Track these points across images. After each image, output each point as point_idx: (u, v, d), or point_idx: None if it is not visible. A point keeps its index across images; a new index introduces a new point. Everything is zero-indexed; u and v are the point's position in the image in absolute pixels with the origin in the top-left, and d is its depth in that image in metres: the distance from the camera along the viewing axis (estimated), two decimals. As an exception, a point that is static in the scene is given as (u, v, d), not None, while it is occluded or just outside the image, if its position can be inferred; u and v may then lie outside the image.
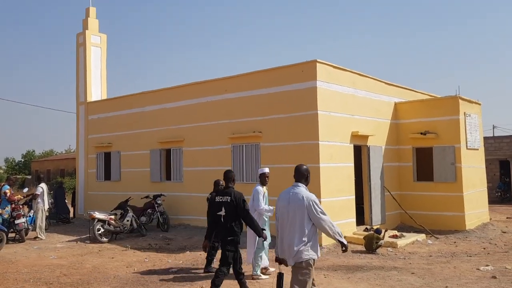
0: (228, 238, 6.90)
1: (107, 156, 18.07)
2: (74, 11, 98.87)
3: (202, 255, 10.70)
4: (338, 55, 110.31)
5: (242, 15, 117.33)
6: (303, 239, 5.04)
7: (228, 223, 6.92)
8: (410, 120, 14.77)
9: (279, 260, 5.21)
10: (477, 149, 15.12)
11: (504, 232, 13.63)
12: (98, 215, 13.11)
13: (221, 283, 6.75)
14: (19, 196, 14.16)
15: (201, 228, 14.01)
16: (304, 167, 5.45)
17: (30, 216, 13.95)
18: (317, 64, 11.96)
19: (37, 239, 13.47)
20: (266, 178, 8.68)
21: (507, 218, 17.04)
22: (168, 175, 15.86)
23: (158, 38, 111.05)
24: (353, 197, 12.73)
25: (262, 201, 8.46)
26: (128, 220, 13.65)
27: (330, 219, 5.14)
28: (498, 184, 26.08)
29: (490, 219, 15.83)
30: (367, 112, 13.64)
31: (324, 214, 5.09)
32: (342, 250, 5.23)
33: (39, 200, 13.75)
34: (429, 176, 14.22)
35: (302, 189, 5.27)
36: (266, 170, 8.79)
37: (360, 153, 13.61)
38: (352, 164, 12.89)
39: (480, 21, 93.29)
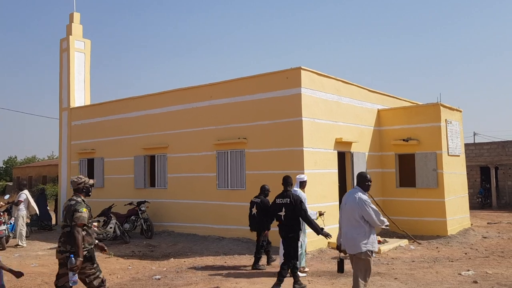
0: (289, 235, 7.79)
1: (90, 162, 17.90)
2: (58, 17, 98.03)
3: (186, 262, 10.67)
4: (321, 63, 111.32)
5: (227, 22, 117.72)
6: (360, 233, 6.00)
7: (288, 222, 7.82)
8: (392, 127, 14.97)
9: (339, 248, 6.34)
10: (458, 156, 15.38)
11: (485, 237, 13.85)
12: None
13: (286, 275, 7.72)
14: (0, 203, 13.94)
15: (186, 234, 13.97)
16: (365, 173, 6.42)
17: (11, 223, 13.73)
18: (302, 71, 12.07)
19: (18, 246, 13.26)
20: (305, 184, 9.59)
21: (487, 223, 17.32)
22: (152, 181, 15.77)
23: (143, 44, 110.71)
24: (337, 203, 12.79)
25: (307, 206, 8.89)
26: (111, 227, 13.53)
27: (379, 212, 6.08)
28: (479, 190, 26.54)
29: (471, 224, 16.08)
30: (350, 119, 13.79)
31: (372, 211, 5.98)
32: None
33: (21, 206, 13.55)
34: (412, 182, 14.41)
35: (357, 191, 6.23)
36: (306, 177, 9.72)
37: (344, 159, 13.73)
38: (336, 171, 13.00)
39: (460, 29, 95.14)
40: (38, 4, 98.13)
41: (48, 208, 17.88)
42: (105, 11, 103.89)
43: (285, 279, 7.75)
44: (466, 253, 11.51)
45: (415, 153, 14.30)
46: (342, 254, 6.41)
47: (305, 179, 9.54)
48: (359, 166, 13.85)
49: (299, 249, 8.60)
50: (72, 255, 5.40)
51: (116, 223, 13.67)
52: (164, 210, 14.99)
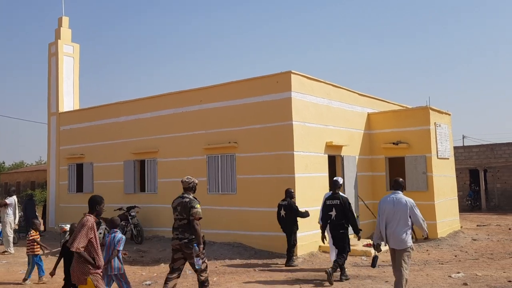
0: (340, 231, 8.96)
1: (79, 167, 17.74)
2: (47, 21, 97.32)
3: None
4: (311, 67, 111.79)
5: (217, 26, 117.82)
6: (406, 231, 6.99)
7: (338, 221, 8.96)
8: (382, 130, 15.04)
9: (375, 246, 7.32)
10: (448, 159, 15.48)
11: (475, 240, 13.94)
12: (69, 227, 12.81)
13: (343, 263, 8.93)
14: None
15: (176, 239, 13.86)
16: (401, 179, 7.44)
17: (-2, 229, 13.55)
18: (292, 75, 12.09)
19: (5, 253, 13.07)
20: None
21: (477, 226, 17.45)
22: (142, 186, 15.66)
23: (132, 48, 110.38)
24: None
25: None
26: (100, 233, 13.37)
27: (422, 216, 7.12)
28: (468, 192, 26.76)
29: (461, 227, 16.18)
30: (341, 123, 13.83)
31: (419, 213, 7.11)
32: (424, 237, 7.96)
33: (8, 212, 13.37)
34: (402, 185, 14.44)
35: (402, 195, 7.17)
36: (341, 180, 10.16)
37: (334, 163, 13.76)
38: (327, 174, 13.01)
39: (449, 32, 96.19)
40: (26, 8, 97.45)
41: (36, 214, 17.66)
42: (94, 16, 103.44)
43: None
44: (456, 256, 11.57)
45: (405, 156, 14.37)
46: (377, 252, 7.43)
47: (341, 182, 9.91)
48: (350, 169, 13.88)
49: None
50: (195, 244, 6.66)
51: (105, 228, 13.52)
52: (154, 215, 14.89)
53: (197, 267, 6.76)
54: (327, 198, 9.29)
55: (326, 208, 9.22)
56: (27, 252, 9.65)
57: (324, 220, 9.23)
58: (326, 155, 13.06)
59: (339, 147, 13.56)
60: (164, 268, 10.69)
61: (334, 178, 9.58)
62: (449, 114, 16.30)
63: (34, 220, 10.18)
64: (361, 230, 9.18)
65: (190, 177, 7.23)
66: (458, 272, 9.38)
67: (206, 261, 7.03)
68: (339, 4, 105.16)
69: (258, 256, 11.62)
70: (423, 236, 7.61)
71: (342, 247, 9.00)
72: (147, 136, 15.36)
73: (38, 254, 9.51)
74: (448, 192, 15.43)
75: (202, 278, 6.92)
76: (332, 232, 9.13)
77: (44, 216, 18.84)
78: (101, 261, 5.81)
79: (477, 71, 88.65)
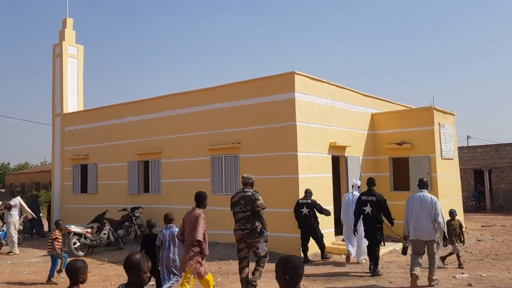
0: (376, 226, 9.63)
1: (84, 168, 17.80)
2: (51, 22, 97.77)
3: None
4: (315, 67, 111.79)
5: (221, 27, 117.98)
6: (433, 225, 8.24)
7: (374, 215, 9.65)
8: (386, 131, 15.01)
9: (406, 237, 8.56)
10: (452, 159, 15.43)
11: (479, 240, 13.89)
12: (74, 228, 12.88)
13: (379, 255, 9.69)
14: (-8, 210, 13.83)
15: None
16: (425, 179, 8.80)
17: (3, 230, 13.61)
18: (295, 75, 12.09)
19: (10, 254, 13.13)
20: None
21: (481, 226, 17.39)
22: (146, 187, 15.70)
23: (136, 50, 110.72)
24: (332, 207, 12.82)
25: None
26: (105, 233, 13.44)
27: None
28: (473, 193, 26.65)
29: (466, 227, 16.09)
30: (344, 123, 13.82)
31: (441, 211, 8.38)
32: (444, 245, 8.68)
33: (13, 213, 13.44)
34: (406, 185, 14.43)
35: (427, 193, 8.47)
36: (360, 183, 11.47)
37: (338, 163, 13.74)
38: (331, 175, 13.01)
39: (453, 32, 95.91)
40: (30, 10, 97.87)
41: (41, 215, 17.74)
42: (98, 17, 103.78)
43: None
44: (460, 256, 11.52)
45: (409, 157, 14.34)
46: (407, 242, 8.64)
47: (359, 184, 11.29)
48: (354, 170, 13.86)
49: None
50: (265, 231, 7.77)
51: (110, 229, 13.59)
52: (158, 215, 14.86)
53: (261, 251, 7.84)
54: (362, 194, 10.03)
55: (360, 203, 9.84)
56: (48, 252, 9.77)
57: (357, 214, 9.85)
58: (330, 156, 13.05)
59: (343, 148, 13.55)
60: (168, 268, 10.71)
61: (369, 177, 10.44)
62: (453, 114, 16.25)
63: (58, 221, 10.21)
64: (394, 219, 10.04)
65: (250, 174, 8.31)
66: (463, 273, 9.35)
67: (265, 248, 8.01)
68: (342, 5, 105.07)
69: (262, 257, 11.61)
70: (444, 244, 8.64)
71: (376, 240, 9.65)
72: (151, 137, 15.40)
73: (57, 254, 9.55)
74: (453, 192, 15.38)
75: (262, 263, 7.97)
76: (366, 226, 9.81)
77: (48, 217, 18.92)
78: (207, 251, 7.04)
79: (481, 71, 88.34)
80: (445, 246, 9.07)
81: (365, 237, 9.94)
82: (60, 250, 9.66)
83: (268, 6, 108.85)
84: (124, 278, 9.58)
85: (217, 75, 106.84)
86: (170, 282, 7.64)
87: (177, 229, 7.76)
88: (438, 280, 8.51)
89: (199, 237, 6.79)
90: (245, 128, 12.96)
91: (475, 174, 27.36)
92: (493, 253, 11.81)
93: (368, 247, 9.79)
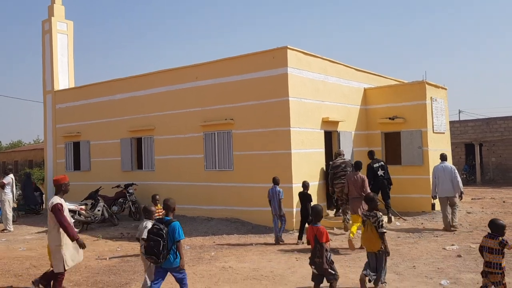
0: (390, 186, 12.62)
1: (76, 145, 17.75)
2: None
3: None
4: (307, 42, 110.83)
5: (214, 2, 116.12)
6: (452, 186, 11.48)
7: (386, 176, 12.50)
8: (378, 106, 15.03)
9: (434, 197, 11.98)
10: (443, 133, 15.53)
11: (469, 213, 14.11)
12: (68, 205, 12.88)
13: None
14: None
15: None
16: (445, 154, 12.14)
17: (-3, 207, 13.63)
18: (288, 50, 12.00)
19: (5, 231, 13.19)
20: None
21: (472, 199, 17.63)
22: (140, 164, 15.71)
23: (126, 25, 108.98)
24: (324, 182, 12.93)
25: None
26: (99, 210, 13.51)
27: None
28: (464, 166, 26.93)
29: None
30: (337, 98, 13.81)
31: (459, 177, 11.66)
32: (460, 198, 11.73)
33: (7, 190, 13.44)
34: (397, 160, 14.55)
35: (448, 164, 11.84)
36: None
37: (330, 138, 13.79)
38: (323, 150, 13.07)
39: (446, 8, 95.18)
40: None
41: (35, 192, 17.74)
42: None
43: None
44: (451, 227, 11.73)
45: (401, 131, 14.41)
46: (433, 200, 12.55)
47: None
48: (346, 145, 13.93)
49: None
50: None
51: (104, 205, 13.64)
52: (152, 192, 14.88)
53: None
54: (373, 163, 12.48)
55: (374, 170, 12.36)
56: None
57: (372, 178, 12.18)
58: (323, 131, 13.08)
59: (336, 123, 13.58)
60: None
61: (370, 150, 13.20)
62: (445, 89, 16.27)
63: (155, 196, 9.69)
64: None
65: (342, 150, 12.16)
66: (453, 245, 9.53)
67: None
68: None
69: (255, 231, 11.78)
70: (459, 197, 11.64)
71: (388, 197, 12.46)
72: (143, 113, 15.33)
73: None
74: (444, 166, 15.49)
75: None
76: (382, 187, 12.34)
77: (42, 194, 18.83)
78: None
79: (474, 46, 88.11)
80: (460, 199, 11.84)
81: (382, 194, 12.43)
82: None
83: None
84: (118, 254, 9.69)
85: (209, 50, 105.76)
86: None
87: (280, 189, 10.42)
88: (458, 223, 11.74)
89: (368, 190, 9.82)
90: (237, 104, 12.92)
91: (466, 148, 27.60)
92: (482, 225, 12.02)
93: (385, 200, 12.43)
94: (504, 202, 16.56)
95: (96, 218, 13.37)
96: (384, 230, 6.69)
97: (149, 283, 6.27)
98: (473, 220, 12.87)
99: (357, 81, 15.00)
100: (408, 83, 15.59)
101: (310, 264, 6.29)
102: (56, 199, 6.64)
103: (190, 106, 14.00)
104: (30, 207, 16.97)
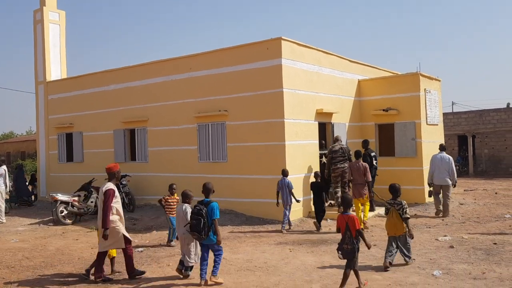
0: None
1: (69, 137, 17.63)
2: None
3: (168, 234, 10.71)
4: (301, 33, 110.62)
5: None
6: (448, 175, 12.29)
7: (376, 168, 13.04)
8: (372, 97, 15.04)
9: (430, 184, 12.53)
10: (437, 125, 15.58)
11: (462, 204, 14.20)
12: (60, 197, 12.86)
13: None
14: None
15: (167, 207, 13.95)
16: (444, 144, 13.11)
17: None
18: (282, 41, 11.94)
19: (-3, 223, 13.11)
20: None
21: (464, 190, 17.75)
22: (133, 155, 15.64)
23: (119, 15, 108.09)
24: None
25: None
26: (92, 202, 13.46)
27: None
28: (457, 158, 27.08)
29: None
30: (331, 90, 13.79)
31: (454, 167, 12.51)
32: (453, 186, 12.52)
33: (-1, 182, 13.34)
34: (391, 151, 14.59)
35: (445, 154, 12.49)
36: None
37: (324, 130, 13.79)
38: (317, 141, 13.07)
39: (440, 0, 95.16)
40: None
41: (27, 184, 17.63)
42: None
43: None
44: (443, 219, 11.81)
45: (395, 123, 14.44)
46: (431, 189, 12.57)
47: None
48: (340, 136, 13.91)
49: None
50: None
51: (96, 197, 13.57)
52: (146, 183, 14.94)
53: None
54: (369, 152, 12.81)
55: (371, 158, 12.75)
56: (167, 215, 9.78)
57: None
58: (317, 123, 13.08)
59: (330, 114, 13.57)
60: (156, 235, 10.82)
61: (364, 139, 13.42)
62: (439, 80, 16.29)
63: (172, 184, 9.80)
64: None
65: (339, 135, 12.41)
66: (445, 236, 9.59)
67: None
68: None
69: (249, 223, 11.79)
70: (453, 185, 12.44)
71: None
72: (136, 105, 15.23)
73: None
74: (437, 158, 15.56)
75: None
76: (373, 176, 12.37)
77: (32, 184, 18.75)
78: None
79: (468, 38, 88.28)
80: (454, 187, 12.70)
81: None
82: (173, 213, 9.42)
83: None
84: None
85: (203, 41, 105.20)
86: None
87: (288, 181, 10.73)
88: (451, 214, 12.30)
89: (369, 179, 10.83)
90: (231, 95, 12.86)
91: (459, 140, 27.74)
92: (474, 216, 12.12)
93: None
94: (496, 193, 16.68)
95: (89, 210, 13.32)
96: (408, 216, 7.53)
97: (188, 258, 7.08)
98: (466, 211, 12.96)
99: (351, 73, 14.98)
100: (402, 74, 15.60)
101: (338, 249, 6.45)
102: (110, 185, 7.23)
103: (184, 97, 13.93)
104: (22, 199, 16.88)
